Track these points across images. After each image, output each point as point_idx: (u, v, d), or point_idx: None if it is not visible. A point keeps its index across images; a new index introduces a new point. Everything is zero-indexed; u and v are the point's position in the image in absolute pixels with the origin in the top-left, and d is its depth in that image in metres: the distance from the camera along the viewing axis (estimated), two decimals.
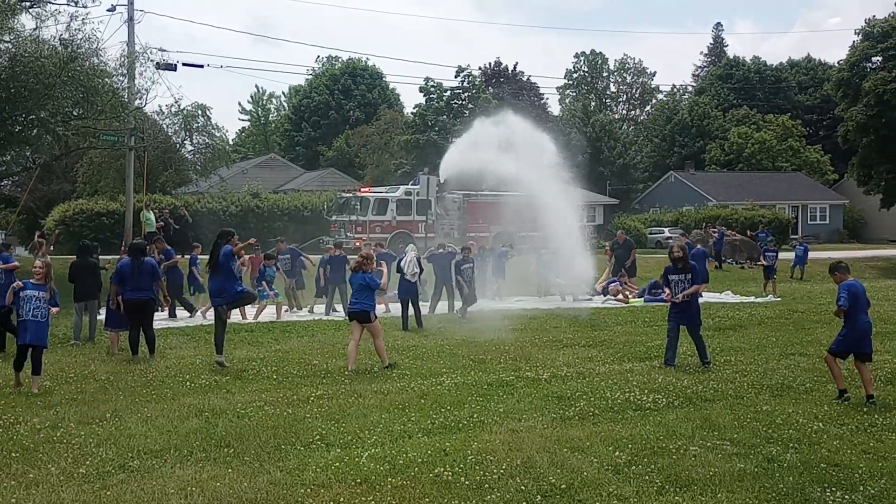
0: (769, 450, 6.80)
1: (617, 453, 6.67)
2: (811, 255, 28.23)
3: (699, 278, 10.98)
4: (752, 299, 20.60)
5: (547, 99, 72.44)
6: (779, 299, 20.04)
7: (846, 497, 5.75)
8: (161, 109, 27.79)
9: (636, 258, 22.71)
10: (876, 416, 7.92)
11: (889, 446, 6.96)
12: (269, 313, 16.47)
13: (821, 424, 7.59)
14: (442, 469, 6.25)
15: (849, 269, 9.17)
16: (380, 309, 17.39)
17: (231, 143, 53.32)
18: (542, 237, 21.85)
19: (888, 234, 55.22)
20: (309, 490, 5.85)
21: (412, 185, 32.35)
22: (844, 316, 8.74)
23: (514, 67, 66.04)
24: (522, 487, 5.89)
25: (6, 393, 9.16)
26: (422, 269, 16.51)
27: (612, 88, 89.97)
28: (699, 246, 23.03)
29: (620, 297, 20.73)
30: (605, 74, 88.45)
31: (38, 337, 9.36)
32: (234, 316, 16.07)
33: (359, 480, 6.05)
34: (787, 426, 7.55)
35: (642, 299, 20.09)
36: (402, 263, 15.74)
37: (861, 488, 5.93)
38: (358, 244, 26.48)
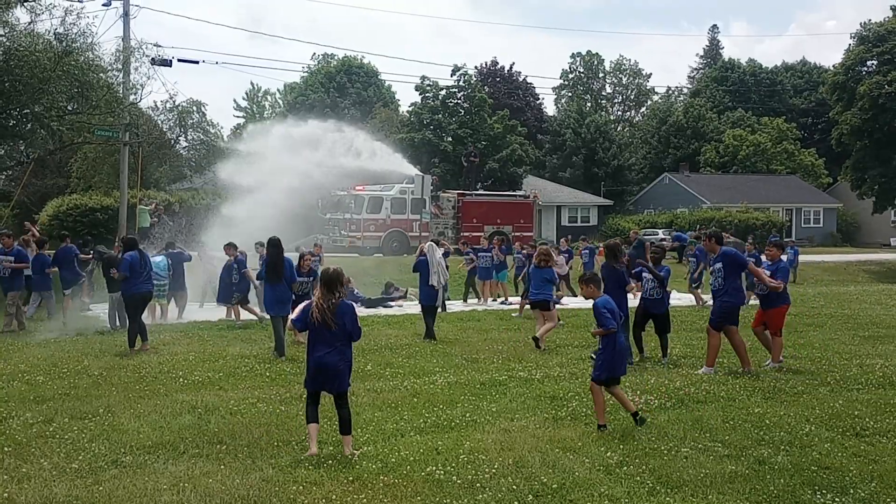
0: (760, 452, 6.82)
1: (609, 454, 6.68)
2: (803, 258, 28.34)
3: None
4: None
5: (542, 99, 72.43)
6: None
7: (837, 500, 5.77)
8: (156, 105, 27.85)
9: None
10: (867, 419, 7.95)
11: (880, 450, 6.98)
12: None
13: (812, 427, 7.61)
14: (434, 468, 6.26)
15: (602, 283, 8.39)
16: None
17: (226, 139, 53.19)
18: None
19: (881, 238, 55.49)
20: (301, 487, 5.85)
21: (406, 183, 32.36)
22: (605, 337, 7.82)
23: (511, 67, 65.94)
24: (514, 487, 5.90)
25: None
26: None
27: (608, 89, 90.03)
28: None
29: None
30: (600, 75, 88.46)
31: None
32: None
33: (351, 478, 6.06)
34: (778, 428, 7.57)
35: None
36: (429, 265, 13.53)
37: (851, 491, 5.95)
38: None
